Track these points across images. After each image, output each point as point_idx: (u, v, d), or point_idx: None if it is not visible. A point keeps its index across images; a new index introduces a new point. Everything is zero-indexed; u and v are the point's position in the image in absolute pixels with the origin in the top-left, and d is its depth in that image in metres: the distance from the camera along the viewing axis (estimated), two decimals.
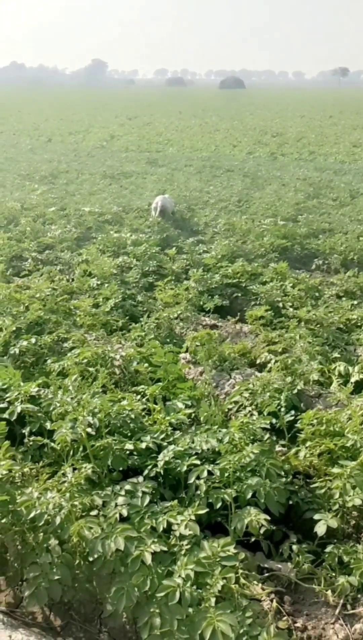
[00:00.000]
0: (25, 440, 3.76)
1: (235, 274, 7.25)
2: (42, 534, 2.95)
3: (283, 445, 3.86)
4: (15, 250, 8.35)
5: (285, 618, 2.76)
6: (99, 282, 6.87)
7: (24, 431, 3.82)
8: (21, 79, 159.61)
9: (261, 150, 20.79)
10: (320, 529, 3.03)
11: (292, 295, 6.52)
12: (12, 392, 4.00)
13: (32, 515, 2.90)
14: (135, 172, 15.74)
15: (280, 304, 6.39)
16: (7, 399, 3.98)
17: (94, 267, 7.31)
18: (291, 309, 6.21)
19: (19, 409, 3.80)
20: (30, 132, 28.31)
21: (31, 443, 3.72)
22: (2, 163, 17.78)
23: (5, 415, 3.83)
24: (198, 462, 3.29)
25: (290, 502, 3.35)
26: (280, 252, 8.40)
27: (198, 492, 3.20)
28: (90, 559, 2.81)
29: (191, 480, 3.23)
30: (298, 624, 2.77)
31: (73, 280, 7.22)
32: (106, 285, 6.68)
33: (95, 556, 2.79)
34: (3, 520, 3.02)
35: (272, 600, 2.81)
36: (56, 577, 2.80)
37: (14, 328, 5.23)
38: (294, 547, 3.09)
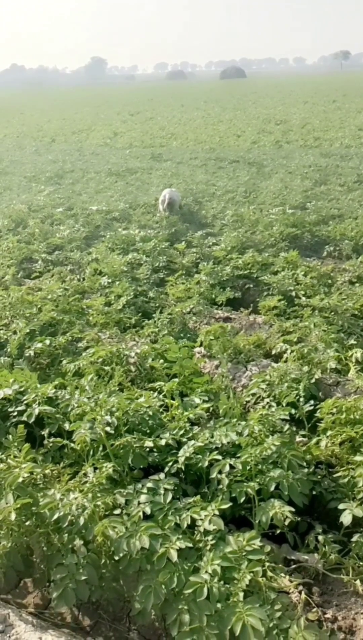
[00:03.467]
0: (45, 442, 3.77)
1: (245, 265, 7.20)
2: (66, 535, 2.95)
3: (303, 436, 3.83)
4: (25, 253, 8.36)
5: (314, 610, 2.74)
6: (109, 280, 6.86)
7: (43, 433, 3.83)
8: (22, 81, 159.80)
9: (265, 139, 20.61)
10: (346, 519, 3.00)
11: (304, 283, 6.46)
12: (29, 395, 4.01)
13: (55, 516, 2.91)
14: (140, 168, 15.68)
15: (293, 293, 6.34)
16: (25, 402, 3.99)
17: (104, 266, 7.30)
18: (304, 298, 6.15)
19: (37, 411, 3.80)
20: (33, 133, 28.34)
21: (51, 444, 3.73)
22: (8, 166, 17.82)
23: (24, 418, 3.85)
24: (219, 457, 3.27)
25: (314, 493, 3.33)
26: (290, 240, 8.33)
27: (221, 486, 3.18)
28: (116, 558, 2.81)
29: (213, 475, 3.21)
30: (328, 615, 2.75)
31: (84, 279, 7.22)
32: (117, 283, 6.67)
33: (121, 555, 2.78)
34: (27, 523, 3.03)
35: (300, 592, 2.79)
36: (83, 578, 2.80)
37: (28, 330, 5.24)
38: (320, 537, 3.07)
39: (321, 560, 2.98)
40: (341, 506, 3.09)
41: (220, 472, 3.20)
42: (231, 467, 3.21)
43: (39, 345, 4.89)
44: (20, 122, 35.12)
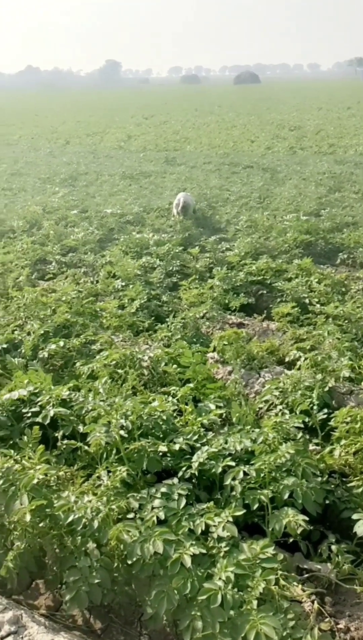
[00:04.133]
0: (59, 443, 3.78)
1: (259, 271, 7.19)
2: (80, 537, 2.95)
3: (316, 444, 3.82)
4: (39, 254, 8.42)
5: (327, 620, 2.73)
6: (123, 284, 6.89)
7: (56, 435, 3.84)
8: (37, 83, 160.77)
9: (279, 144, 20.63)
10: (360, 529, 2.98)
11: (318, 291, 6.45)
12: (43, 396, 4.02)
13: (70, 519, 2.91)
14: (154, 172, 15.74)
15: (307, 300, 6.33)
16: (39, 403, 4.01)
17: (118, 269, 7.32)
18: (318, 305, 6.14)
19: (51, 413, 3.82)
20: (48, 135, 28.52)
21: (65, 446, 3.73)
22: (23, 167, 17.95)
23: (38, 419, 3.86)
24: (233, 463, 3.27)
25: (327, 502, 3.31)
26: (304, 247, 8.32)
27: (234, 493, 3.18)
28: (129, 562, 2.81)
29: (227, 482, 3.21)
30: (340, 626, 2.74)
31: (97, 282, 7.24)
32: (131, 286, 6.69)
33: (134, 559, 2.78)
34: (41, 524, 3.04)
35: (313, 602, 2.78)
36: (96, 581, 2.80)
37: (42, 331, 5.27)
38: (333, 547, 3.05)
39: (334, 570, 2.97)
40: (355, 516, 3.07)
41: (234, 479, 3.20)
42: (245, 474, 3.20)
43: (53, 346, 4.92)
44: (35, 124, 35.36)
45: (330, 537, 3.18)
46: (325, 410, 4.01)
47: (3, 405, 4.07)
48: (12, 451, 3.51)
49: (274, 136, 23.28)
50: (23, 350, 5.11)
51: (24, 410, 4.10)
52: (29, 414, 4.03)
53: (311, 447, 3.76)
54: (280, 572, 2.79)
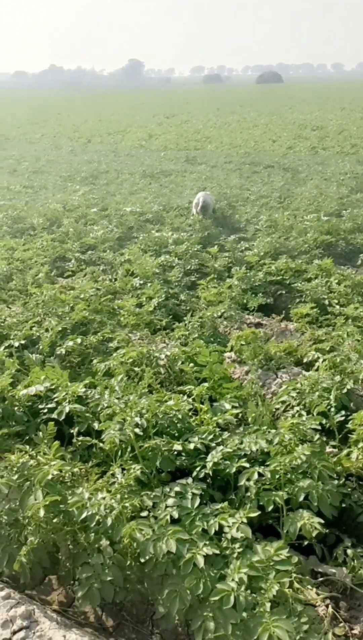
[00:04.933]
0: (74, 440, 3.79)
1: (278, 271, 7.14)
2: (93, 534, 2.95)
3: (333, 447, 3.77)
4: (59, 251, 8.46)
5: (341, 624, 2.69)
6: (141, 282, 6.89)
7: (72, 431, 3.85)
8: (60, 82, 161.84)
9: (301, 144, 20.47)
10: None
11: (337, 292, 6.38)
12: (59, 392, 4.04)
13: (83, 515, 2.91)
14: (174, 171, 15.73)
15: (326, 301, 6.26)
16: (55, 399, 4.03)
17: (136, 267, 7.33)
18: (337, 306, 6.07)
19: (67, 409, 3.83)
20: (70, 133, 28.69)
21: (80, 443, 3.74)
22: (44, 165, 18.07)
23: (54, 416, 3.88)
24: (247, 464, 3.23)
25: (343, 505, 3.26)
26: (324, 248, 8.23)
27: (249, 494, 3.15)
28: (142, 560, 2.80)
29: (241, 483, 3.18)
30: (355, 631, 2.70)
31: (116, 280, 7.26)
32: (149, 284, 6.68)
33: (147, 558, 2.77)
34: (55, 520, 3.04)
35: (327, 606, 2.74)
36: (108, 578, 2.80)
37: (60, 328, 5.29)
38: (349, 551, 3.01)
39: (349, 574, 2.93)
40: None
41: (248, 480, 3.17)
42: (260, 475, 3.17)
43: (70, 343, 4.93)
44: (58, 123, 35.58)
45: (345, 541, 3.14)
46: (343, 413, 3.95)
47: (20, 401, 4.10)
48: (28, 447, 3.52)
49: (296, 136, 23.11)
50: (41, 347, 5.13)
51: (40, 406, 4.12)
52: (45, 410, 4.05)
53: (328, 449, 3.71)
54: (294, 575, 2.76)
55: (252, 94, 68.70)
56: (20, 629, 2.69)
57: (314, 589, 2.81)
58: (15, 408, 4.08)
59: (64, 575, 3.13)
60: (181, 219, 10.22)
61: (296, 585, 2.73)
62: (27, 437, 3.89)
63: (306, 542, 3.04)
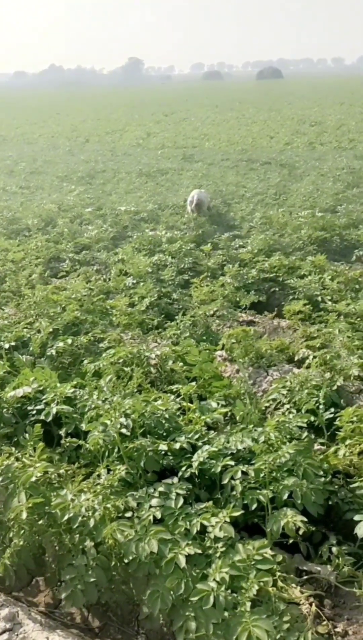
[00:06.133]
0: (62, 441, 3.79)
1: (272, 268, 7.12)
2: (77, 535, 2.95)
3: (322, 444, 3.76)
4: (53, 252, 8.46)
5: (324, 623, 2.68)
6: (134, 281, 6.88)
7: (60, 432, 3.85)
8: (60, 81, 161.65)
9: (299, 140, 20.42)
10: (361, 531, 2.93)
11: (330, 288, 6.35)
12: (48, 394, 4.04)
13: (66, 517, 2.91)
14: (171, 169, 15.71)
15: (319, 298, 6.24)
16: (44, 400, 4.03)
17: (130, 266, 7.32)
18: (330, 303, 6.05)
19: (54, 411, 3.84)
20: (68, 133, 28.68)
21: (67, 444, 3.74)
22: (41, 166, 18.08)
23: (42, 417, 3.88)
24: (232, 463, 3.23)
25: (330, 503, 3.26)
26: (319, 244, 8.21)
27: (234, 493, 3.14)
28: (126, 561, 2.80)
29: (225, 481, 3.18)
30: (338, 629, 2.69)
31: (109, 279, 7.25)
32: (142, 284, 6.68)
33: (130, 558, 2.78)
34: (40, 522, 3.05)
35: (311, 604, 2.73)
36: (92, 579, 2.80)
37: (51, 329, 5.29)
38: (334, 549, 3.00)
39: (334, 572, 2.92)
40: (357, 517, 3.01)
41: (232, 479, 3.17)
42: (244, 473, 3.17)
43: (61, 344, 4.93)
44: (56, 122, 35.57)
45: (331, 539, 3.13)
46: (333, 410, 3.94)
47: (8, 403, 4.10)
48: (14, 448, 3.53)
49: (294, 132, 23.05)
50: (31, 348, 5.13)
51: (29, 408, 4.12)
52: (34, 412, 4.05)
53: (316, 446, 3.70)
54: (278, 574, 2.76)
55: (251, 90, 68.54)
56: (3, 631, 2.70)
57: (298, 587, 2.80)
58: (4, 410, 4.08)
59: (50, 577, 3.13)
60: (176, 217, 10.21)
61: (280, 583, 2.72)
62: (15, 439, 3.89)
63: (292, 540, 3.03)
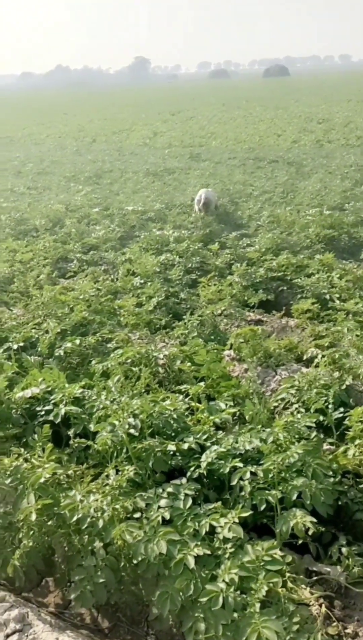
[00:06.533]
0: (71, 442, 3.80)
1: (279, 267, 7.10)
2: (86, 536, 2.95)
3: (331, 444, 3.74)
4: (61, 252, 8.48)
5: (335, 624, 2.67)
6: (142, 281, 6.88)
7: (69, 433, 3.86)
8: (67, 82, 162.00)
9: (306, 138, 20.33)
10: None
11: (339, 286, 6.32)
12: (56, 394, 4.05)
13: (75, 518, 2.91)
14: (178, 168, 15.70)
15: (327, 296, 6.21)
16: (53, 401, 4.03)
17: (137, 266, 7.32)
18: (338, 301, 6.02)
19: (62, 411, 3.84)
20: (75, 133, 28.74)
21: (76, 445, 3.74)
22: (49, 166, 18.13)
23: (51, 418, 3.89)
24: (240, 464, 3.21)
25: (340, 503, 3.24)
26: (327, 242, 8.17)
27: (243, 493, 3.13)
28: (135, 561, 2.80)
29: (234, 482, 3.17)
30: (348, 630, 2.68)
31: (117, 279, 7.26)
32: (149, 283, 6.67)
33: (139, 559, 2.77)
34: (49, 523, 3.05)
35: (320, 605, 2.72)
36: (101, 580, 2.80)
37: (59, 330, 5.30)
38: (344, 549, 2.98)
39: (344, 573, 2.90)
40: None
41: (241, 479, 3.16)
42: (252, 474, 3.15)
43: (69, 344, 4.93)
44: (63, 123, 35.65)
45: (341, 539, 3.11)
46: (342, 409, 3.92)
47: (17, 403, 4.11)
48: (23, 449, 3.54)
49: (301, 129, 22.94)
50: (40, 349, 5.14)
51: (37, 409, 4.13)
52: (43, 412, 4.06)
53: (325, 446, 3.68)
54: (288, 574, 2.74)
55: (258, 88, 68.32)
56: (13, 632, 2.70)
57: (308, 588, 2.79)
58: (13, 411, 4.09)
59: (59, 578, 3.14)
60: (183, 216, 10.19)
61: (289, 584, 2.71)
62: (24, 440, 3.90)
63: (301, 541, 3.02)
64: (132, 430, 3.42)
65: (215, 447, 3.40)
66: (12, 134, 30.54)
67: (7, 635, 2.68)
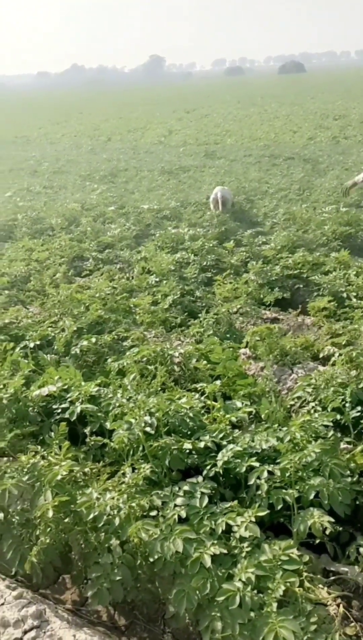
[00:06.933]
0: (87, 440, 3.81)
1: (295, 265, 7.06)
2: (103, 534, 2.96)
3: (348, 443, 3.71)
4: (77, 251, 8.52)
5: (352, 624, 2.65)
6: (157, 279, 6.88)
7: (85, 431, 3.87)
8: (82, 81, 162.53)
9: (322, 134, 20.19)
10: None
11: (356, 284, 6.27)
12: (73, 392, 4.06)
13: (91, 516, 2.93)
14: (193, 166, 15.69)
15: (344, 294, 6.16)
16: (69, 399, 4.05)
17: (153, 264, 7.33)
18: (355, 299, 5.97)
19: (78, 409, 3.85)
20: (90, 132, 28.84)
21: (92, 443, 3.75)
22: (64, 165, 18.21)
23: (67, 416, 3.90)
24: (257, 463, 3.20)
25: (357, 503, 3.21)
26: (343, 240, 8.11)
27: (260, 492, 3.12)
28: (151, 560, 2.80)
29: (251, 481, 3.15)
30: None
31: (132, 278, 7.27)
32: (164, 282, 6.67)
33: (156, 557, 2.77)
34: (66, 520, 3.07)
35: (338, 605, 2.70)
36: (118, 578, 2.80)
37: (75, 328, 5.32)
38: (361, 549, 2.96)
39: (362, 573, 2.88)
40: None
41: (258, 478, 3.14)
42: (270, 473, 3.14)
43: (85, 343, 4.95)
44: (78, 122, 35.79)
45: (359, 539, 3.08)
46: (359, 408, 3.88)
47: (34, 401, 4.13)
48: (40, 447, 3.56)
49: (317, 126, 22.78)
50: (56, 347, 5.17)
51: (54, 407, 4.15)
52: (59, 410, 4.08)
53: (342, 445, 3.65)
54: (305, 574, 2.73)
55: (273, 85, 67.95)
56: (31, 629, 2.72)
57: (325, 588, 2.77)
58: (29, 409, 4.11)
59: (76, 575, 3.15)
60: (199, 214, 10.18)
61: (307, 584, 2.69)
62: (41, 438, 3.92)
63: (318, 541, 3.00)
64: (148, 429, 3.42)
65: (231, 445, 3.38)
66: (29, 133, 30.73)
67: (25, 632, 2.70)
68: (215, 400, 4.01)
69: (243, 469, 3.22)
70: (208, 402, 4.00)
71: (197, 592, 2.63)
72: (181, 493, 3.08)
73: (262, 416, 4.01)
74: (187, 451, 3.45)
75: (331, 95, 40.12)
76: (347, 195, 8.49)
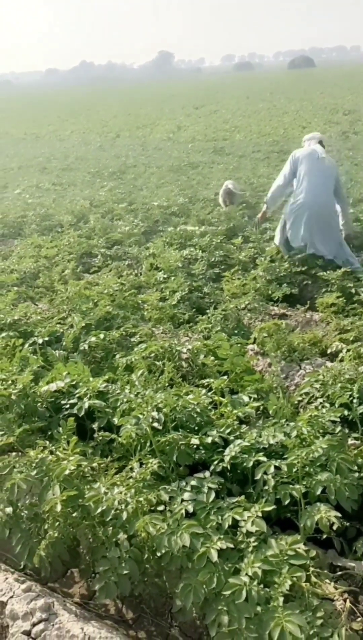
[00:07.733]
0: (95, 435, 3.83)
1: (304, 261, 7.04)
2: (110, 528, 2.99)
3: (356, 439, 3.71)
4: (85, 248, 8.54)
5: (359, 619, 2.65)
6: (165, 276, 6.89)
7: (93, 426, 3.90)
8: (91, 78, 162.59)
9: (332, 129, 20.07)
10: None
11: None
12: (81, 388, 4.09)
13: (99, 510, 2.95)
14: (201, 163, 15.66)
15: (353, 290, 6.15)
16: (77, 395, 4.08)
17: (161, 261, 7.33)
18: None
19: (86, 405, 3.87)
20: (99, 129, 28.86)
21: (100, 438, 3.78)
22: (73, 162, 18.25)
23: (75, 411, 3.93)
24: (264, 458, 3.21)
25: None
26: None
27: (267, 487, 3.13)
28: (158, 554, 2.82)
29: (258, 476, 3.16)
30: None
31: (140, 274, 7.29)
32: (173, 278, 6.68)
33: (163, 552, 2.79)
34: (74, 515, 3.09)
35: (345, 600, 2.70)
36: (125, 572, 2.82)
37: (84, 324, 5.34)
38: None
39: None
40: None
41: (265, 473, 3.15)
42: (277, 468, 3.15)
43: (93, 339, 4.97)
44: (87, 119, 35.83)
45: None
46: None
47: (42, 397, 4.17)
48: (48, 442, 3.59)
49: (327, 121, 22.66)
50: (64, 343, 5.20)
51: (63, 402, 4.18)
52: (67, 406, 4.11)
53: (350, 441, 3.65)
54: (312, 569, 2.74)
55: (283, 80, 67.58)
56: (39, 621, 2.75)
57: (332, 583, 2.77)
58: (38, 404, 4.15)
59: (84, 569, 3.18)
60: (207, 210, 10.17)
61: (313, 579, 2.70)
62: (50, 433, 3.95)
63: (325, 536, 3.01)
64: (155, 424, 3.44)
65: (238, 441, 3.39)
66: (38, 130, 30.82)
67: (34, 624, 2.72)
68: (223, 396, 4.02)
69: (251, 464, 3.23)
70: (216, 397, 4.02)
71: (204, 586, 2.64)
72: (188, 488, 3.10)
73: (270, 412, 4.02)
74: (195, 446, 3.47)
75: (341, 90, 39.86)
76: (258, 227, 8.52)
